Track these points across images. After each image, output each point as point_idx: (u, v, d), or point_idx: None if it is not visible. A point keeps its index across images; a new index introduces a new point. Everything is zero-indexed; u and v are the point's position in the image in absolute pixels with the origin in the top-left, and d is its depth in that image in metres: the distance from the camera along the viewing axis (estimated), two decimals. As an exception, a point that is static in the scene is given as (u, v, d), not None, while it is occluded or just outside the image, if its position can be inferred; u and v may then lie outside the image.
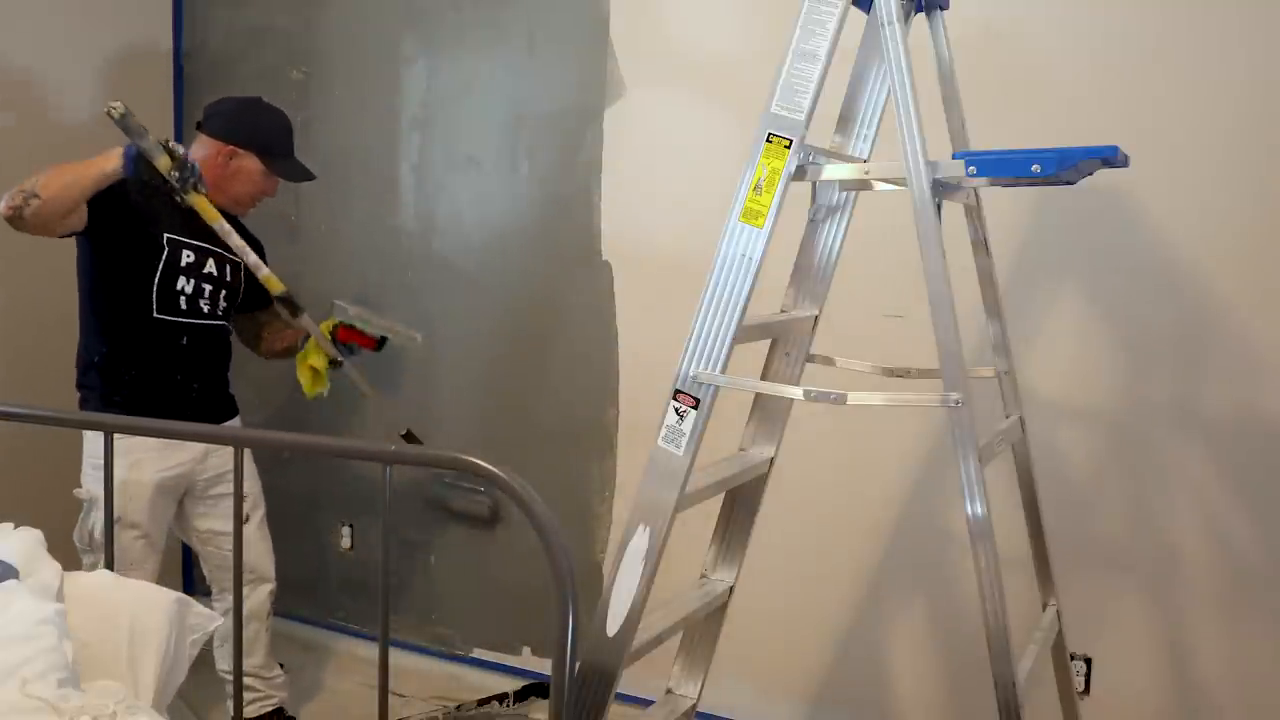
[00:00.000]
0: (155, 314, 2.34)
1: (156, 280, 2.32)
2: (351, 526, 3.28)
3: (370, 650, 3.13)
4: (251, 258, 2.36)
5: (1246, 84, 2.14)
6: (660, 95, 2.74)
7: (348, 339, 2.63)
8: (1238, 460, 2.21)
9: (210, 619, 1.81)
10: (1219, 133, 2.17)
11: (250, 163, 2.43)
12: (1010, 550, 1.79)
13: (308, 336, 2.58)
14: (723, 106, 2.62)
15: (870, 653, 2.60)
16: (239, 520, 1.79)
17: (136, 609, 1.69)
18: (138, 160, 2.01)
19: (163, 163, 2.04)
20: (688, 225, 2.67)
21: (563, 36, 2.87)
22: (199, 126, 2.46)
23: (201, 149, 2.42)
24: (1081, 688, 2.34)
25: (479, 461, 1.47)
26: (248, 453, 2.57)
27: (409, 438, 2.72)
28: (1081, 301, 2.32)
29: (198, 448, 2.41)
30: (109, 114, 1.97)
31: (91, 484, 2.33)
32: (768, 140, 1.55)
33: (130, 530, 2.34)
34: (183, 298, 2.37)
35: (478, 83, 3.00)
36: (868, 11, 1.68)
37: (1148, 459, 2.28)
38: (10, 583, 1.59)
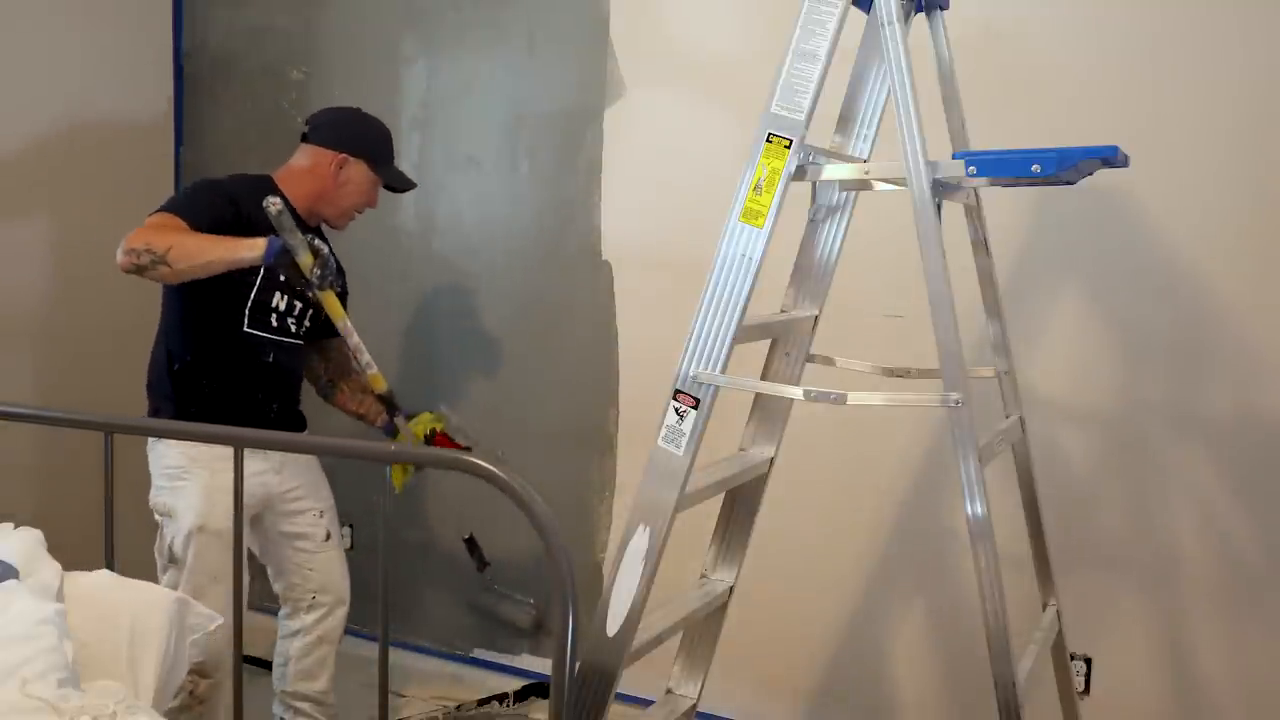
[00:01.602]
0: (245, 328, 2.27)
1: (252, 295, 2.26)
2: (352, 526, 3.27)
3: (370, 650, 3.12)
4: (365, 356, 2.32)
5: (1246, 84, 2.14)
6: (660, 95, 2.74)
7: (442, 445, 2.56)
8: (1237, 460, 2.21)
9: (210, 619, 1.80)
10: (1219, 133, 2.17)
11: (359, 171, 2.38)
12: (1010, 550, 1.80)
13: (396, 429, 2.51)
14: (723, 106, 2.62)
15: (870, 652, 2.59)
16: (239, 521, 1.79)
17: (136, 609, 1.69)
18: (281, 254, 2.03)
19: (305, 260, 2.05)
20: (687, 225, 2.66)
21: (563, 36, 2.87)
22: (304, 139, 2.41)
23: (307, 158, 2.38)
24: (1081, 688, 2.34)
25: (478, 461, 1.47)
26: (321, 469, 2.51)
27: (471, 543, 2.74)
28: (1081, 301, 2.32)
29: (274, 457, 2.33)
30: (266, 209, 2.02)
31: (167, 497, 2.25)
32: (768, 140, 1.55)
33: (217, 541, 2.22)
34: (274, 315, 2.31)
35: (478, 83, 3.00)
36: (868, 11, 1.68)
37: (1148, 459, 2.28)
38: (10, 583, 1.59)
